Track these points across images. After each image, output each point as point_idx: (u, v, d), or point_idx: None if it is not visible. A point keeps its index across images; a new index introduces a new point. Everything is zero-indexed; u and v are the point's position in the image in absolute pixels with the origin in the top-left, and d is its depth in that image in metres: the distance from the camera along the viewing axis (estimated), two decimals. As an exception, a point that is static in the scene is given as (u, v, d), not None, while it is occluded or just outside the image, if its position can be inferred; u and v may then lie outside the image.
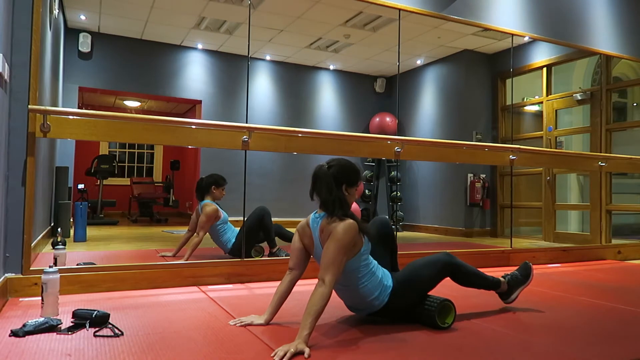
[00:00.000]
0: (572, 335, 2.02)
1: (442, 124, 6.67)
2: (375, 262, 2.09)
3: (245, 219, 3.59)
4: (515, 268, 2.54)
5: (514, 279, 2.44)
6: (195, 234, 3.56)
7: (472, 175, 6.18)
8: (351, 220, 1.91)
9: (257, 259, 3.45)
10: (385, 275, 2.08)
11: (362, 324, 2.11)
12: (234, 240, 3.63)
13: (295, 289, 2.10)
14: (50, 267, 2.13)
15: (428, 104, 6.86)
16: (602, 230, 5.05)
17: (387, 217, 2.52)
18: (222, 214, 3.68)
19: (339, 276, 1.87)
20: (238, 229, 3.68)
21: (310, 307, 1.77)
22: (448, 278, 2.22)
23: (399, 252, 3.88)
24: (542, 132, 5.79)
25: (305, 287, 2.13)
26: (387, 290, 2.05)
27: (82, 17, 5.35)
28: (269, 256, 3.59)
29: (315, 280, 1.86)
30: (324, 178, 1.96)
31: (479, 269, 2.32)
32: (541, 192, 5.69)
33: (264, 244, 3.67)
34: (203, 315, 2.21)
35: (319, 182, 1.97)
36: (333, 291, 2.05)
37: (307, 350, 1.67)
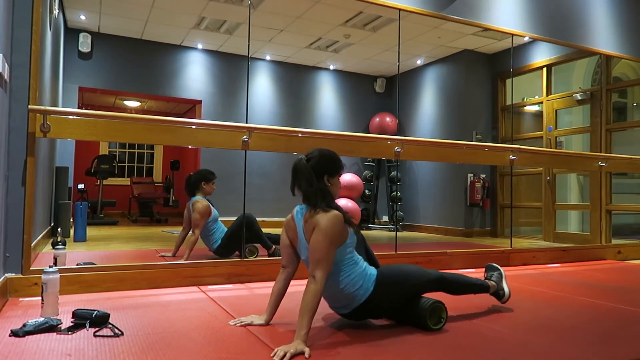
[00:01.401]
0: (572, 335, 2.02)
1: (442, 124, 6.67)
2: (357, 254, 2.05)
3: (231, 225, 3.59)
4: (517, 267, 2.54)
5: (494, 277, 2.45)
6: (190, 232, 3.55)
7: (472, 175, 6.18)
8: (336, 212, 1.88)
9: (254, 259, 3.45)
10: (368, 266, 2.04)
11: (361, 324, 2.10)
12: (220, 241, 3.61)
13: (294, 289, 2.10)
14: (50, 267, 2.12)
15: (428, 104, 6.86)
16: (602, 230, 5.05)
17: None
18: (213, 211, 3.66)
19: (329, 270, 1.84)
20: (227, 228, 3.65)
21: (305, 306, 1.76)
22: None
23: (399, 252, 3.89)
24: (542, 132, 5.79)
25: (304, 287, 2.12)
26: (372, 278, 1.99)
27: (82, 17, 5.35)
28: (268, 257, 3.59)
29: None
30: (303, 171, 1.93)
31: (466, 276, 2.33)
32: (541, 192, 5.69)
33: (258, 244, 3.65)
34: (203, 315, 2.21)
35: (298, 175, 1.94)
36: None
37: (307, 350, 1.67)
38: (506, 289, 2.42)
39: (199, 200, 3.59)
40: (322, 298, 2.05)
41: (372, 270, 2.03)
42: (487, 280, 2.40)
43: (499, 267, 2.50)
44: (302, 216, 1.96)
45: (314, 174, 1.92)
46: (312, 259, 1.83)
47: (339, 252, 1.92)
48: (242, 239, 3.45)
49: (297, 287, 2.11)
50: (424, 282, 2.08)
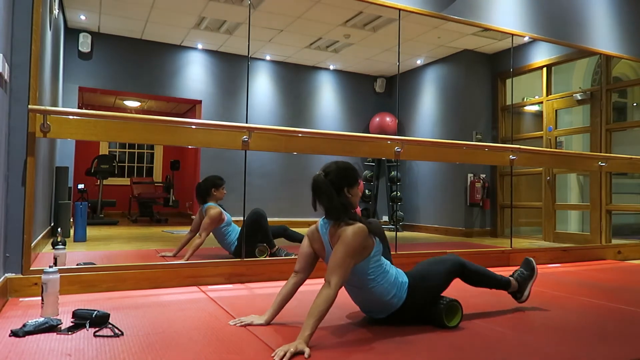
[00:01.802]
0: (572, 335, 2.02)
1: (442, 124, 6.67)
2: (387, 261, 2.08)
3: (243, 223, 3.61)
4: (517, 267, 2.53)
5: (521, 276, 2.44)
6: (197, 235, 3.56)
7: (472, 175, 6.18)
8: (360, 224, 1.90)
9: (258, 258, 3.45)
10: (399, 273, 2.07)
11: (363, 326, 2.10)
12: (237, 242, 3.65)
13: (300, 288, 2.10)
14: (50, 267, 2.12)
15: (428, 104, 6.86)
16: (602, 230, 5.05)
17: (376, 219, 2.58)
18: (226, 216, 3.69)
19: (345, 279, 1.86)
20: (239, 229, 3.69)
21: (314, 309, 1.76)
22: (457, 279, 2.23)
23: (400, 252, 3.89)
24: (542, 132, 5.79)
25: (308, 287, 2.13)
26: (404, 286, 2.03)
27: (82, 17, 5.35)
28: (269, 256, 3.60)
29: (320, 281, 1.86)
30: (323, 187, 1.94)
31: (488, 269, 2.34)
32: (541, 192, 5.69)
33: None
34: (203, 315, 2.21)
35: (318, 191, 1.95)
36: (350, 298, 2.05)
37: (307, 350, 1.67)
38: (527, 292, 2.42)
39: (212, 207, 3.63)
40: (355, 303, 2.13)
41: (404, 278, 2.07)
42: (511, 279, 2.40)
43: (535, 267, 2.46)
44: (326, 230, 1.97)
45: (334, 188, 1.94)
46: (329, 265, 1.85)
47: (366, 262, 1.94)
48: (243, 239, 3.45)
49: (303, 287, 2.11)
50: (447, 277, 2.13)
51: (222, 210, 3.68)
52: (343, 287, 1.98)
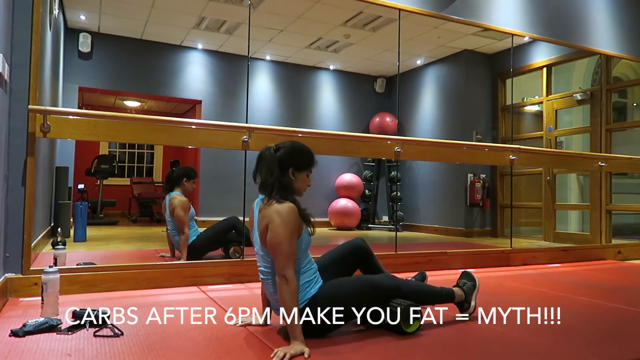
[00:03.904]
0: (571, 335, 2.02)
1: (442, 124, 6.66)
2: (313, 266, 1.92)
3: (214, 226, 3.59)
4: (516, 267, 2.50)
5: (466, 287, 2.24)
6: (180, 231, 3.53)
7: (472, 175, 6.18)
8: (290, 203, 1.79)
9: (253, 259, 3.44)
10: (312, 283, 1.87)
11: (361, 326, 2.10)
12: (194, 238, 3.54)
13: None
14: (50, 267, 2.13)
15: (428, 104, 6.86)
16: (602, 230, 5.05)
17: (363, 239, 2.36)
18: (192, 209, 3.63)
19: (295, 263, 1.77)
20: (201, 230, 3.61)
21: (288, 308, 1.71)
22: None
23: (400, 252, 3.87)
24: (542, 132, 5.79)
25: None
26: (306, 296, 1.84)
27: (82, 17, 5.35)
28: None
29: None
30: (266, 160, 1.84)
31: (429, 285, 2.17)
32: (541, 192, 5.69)
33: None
34: (203, 315, 2.21)
35: (261, 163, 1.86)
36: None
37: (306, 350, 1.67)
38: (473, 303, 2.23)
39: (177, 196, 3.54)
40: (263, 289, 2.00)
41: (314, 288, 1.86)
42: (455, 288, 2.21)
43: (475, 278, 2.28)
44: (258, 207, 1.88)
45: (278, 165, 1.84)
46: (276, 258, 1.75)
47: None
48: (243, 242, 3.45)
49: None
50: (370, 297, 1.93)
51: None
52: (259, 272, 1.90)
